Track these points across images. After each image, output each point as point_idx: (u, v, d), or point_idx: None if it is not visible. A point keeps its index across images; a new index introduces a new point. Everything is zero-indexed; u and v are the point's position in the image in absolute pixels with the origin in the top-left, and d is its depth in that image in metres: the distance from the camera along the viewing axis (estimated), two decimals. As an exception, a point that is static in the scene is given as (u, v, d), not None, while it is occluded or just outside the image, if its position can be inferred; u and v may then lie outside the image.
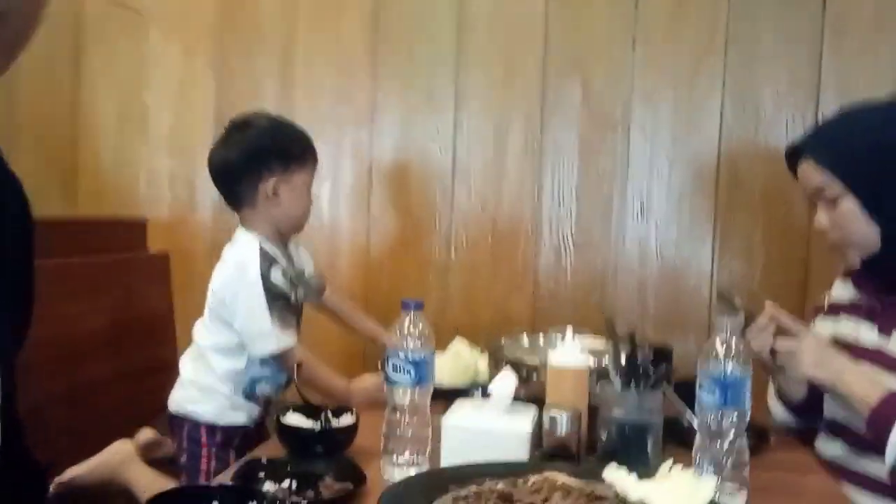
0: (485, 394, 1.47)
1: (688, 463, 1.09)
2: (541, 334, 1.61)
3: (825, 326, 1.51)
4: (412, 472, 1.12)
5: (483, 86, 2.19)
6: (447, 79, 2.19)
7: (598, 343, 1.57)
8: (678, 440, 1.17)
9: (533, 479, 0.84)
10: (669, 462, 0.90)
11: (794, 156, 1.42)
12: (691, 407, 1.20)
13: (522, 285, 2.18)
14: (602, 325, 2.10)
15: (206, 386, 1.56)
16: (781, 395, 1.47)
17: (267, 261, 1.53)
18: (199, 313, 2.31)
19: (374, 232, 2.24)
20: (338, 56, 2.25)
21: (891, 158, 1.28)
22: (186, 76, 2.34)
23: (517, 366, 1.33)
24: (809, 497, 1.13)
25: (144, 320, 2.14)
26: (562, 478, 0.85)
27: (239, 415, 1.56)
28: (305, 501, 0.97)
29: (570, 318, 2.12)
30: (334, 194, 2.25)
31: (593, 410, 1.18)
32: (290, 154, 1.56)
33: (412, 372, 1.12)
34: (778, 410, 1.50)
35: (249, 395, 1.57)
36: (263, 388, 1.58)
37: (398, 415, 1.14)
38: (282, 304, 1.53)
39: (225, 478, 1.08)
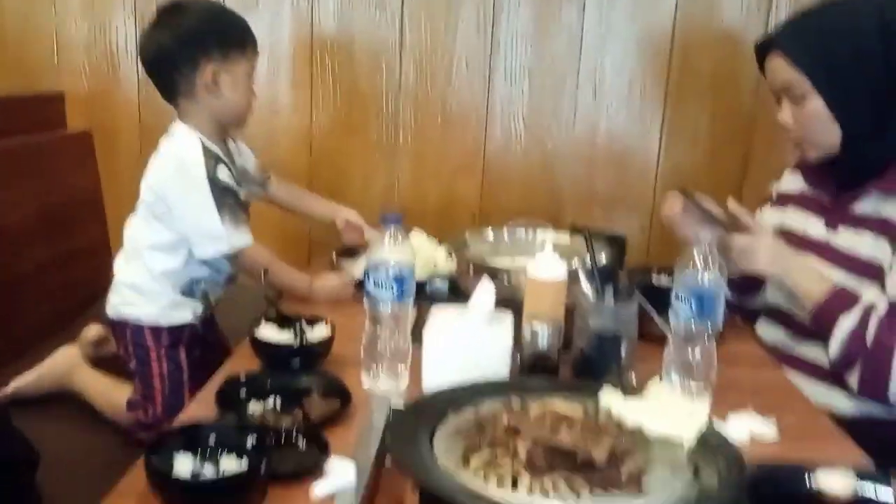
0: (453, 294, 1.49)
1: (656, 363, 1.16)
2: (504, 229, 1.61)
3: (772, 216, 1.56)
4: (393, 384, 1.14)
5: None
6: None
7: (561, 238, 1.59)
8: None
9: (534, 410, 0.86)
10: (656, 380, 0.94)
11: (764, 48, 1.40)
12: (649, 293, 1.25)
13: (471, 167, 2.15)
14: (550, 208, 2.14)
15: (142, 288, 1.49)
16: None
17: (211, 158, 1.45)
18: (129, 194, 2.20)
19: (318, 111, 2.13)
20: None
21: (864, 63, 1.28)
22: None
23: (490, 271, 1.33)
24: (766, 394, 1.21)
25: (71, 205, 2.01)
26: (559, 406, 0.87)
27: (183, 313, 1.52)
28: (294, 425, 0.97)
29: (519, 201, 2.14)
30: (272, 68, 2.10)
31: (568, 309, 1.20)
32: (229, 40, 1.45)
33: (395, 288, 1.09)
34: None
35: (189, 293, 1.52)
36: (202, 288, 1.54)
37: (379, 329, 1.12)
38: (232, 201, 1.46)
39: (206, 401, 1.05)
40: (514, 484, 0.75)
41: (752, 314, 1.58)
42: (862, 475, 0.91)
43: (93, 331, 1.65)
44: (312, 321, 1.25)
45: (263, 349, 1.17)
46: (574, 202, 2.15)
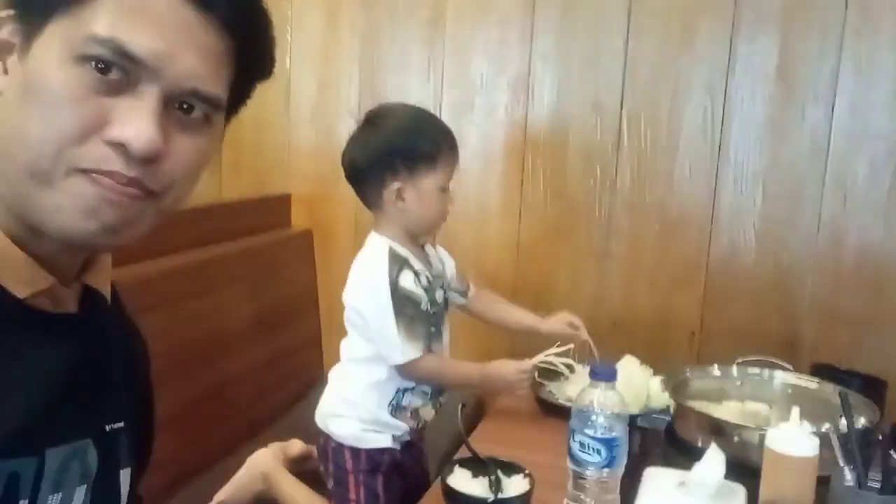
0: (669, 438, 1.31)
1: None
2: (734, 366, 1.41)
3: None
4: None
5: (656, 46, 1.91)
6: (614, 40, 1.93)
7: (808, 382, 1.36)
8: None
9: None
10: None
11: None
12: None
13: (691, 281, 1.95)
14: (783, 330, 1.87)
15: (350, 399, 1.47)
16: None
17: (397, 264, 1.42)
18: (342, 291, 2.26)
19: (526, 214, 2.06)
20: (491, 16, 2.03)
21: None
22: (330, 40, 2.19)
23: (715, 424, 1.14)
24: None
25: (288, 301, 2.09)
26: None
27: (383, 437, 1.46)
28: None
29: (747, 321, 1.90)
30: (484, 170, 2.07)
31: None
32: (418, 157, 1.42)
33: (602, 452, 0.96)
34: None
35: (397, 407, 1.46)
36: (411, 400, 1.47)
37: (583, 495, 0.98)
38: (410, 312, 1.41)
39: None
40: None
41: None
42: None
43: (295, 446, 1.64)
44: (509, 469, 1.13)
45: (454, 499, 1.08)
46: (814, 325, 1.87)
